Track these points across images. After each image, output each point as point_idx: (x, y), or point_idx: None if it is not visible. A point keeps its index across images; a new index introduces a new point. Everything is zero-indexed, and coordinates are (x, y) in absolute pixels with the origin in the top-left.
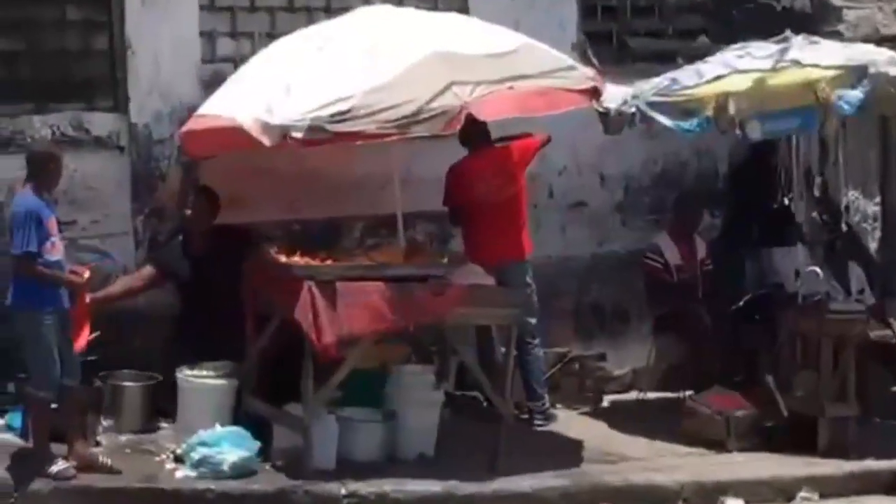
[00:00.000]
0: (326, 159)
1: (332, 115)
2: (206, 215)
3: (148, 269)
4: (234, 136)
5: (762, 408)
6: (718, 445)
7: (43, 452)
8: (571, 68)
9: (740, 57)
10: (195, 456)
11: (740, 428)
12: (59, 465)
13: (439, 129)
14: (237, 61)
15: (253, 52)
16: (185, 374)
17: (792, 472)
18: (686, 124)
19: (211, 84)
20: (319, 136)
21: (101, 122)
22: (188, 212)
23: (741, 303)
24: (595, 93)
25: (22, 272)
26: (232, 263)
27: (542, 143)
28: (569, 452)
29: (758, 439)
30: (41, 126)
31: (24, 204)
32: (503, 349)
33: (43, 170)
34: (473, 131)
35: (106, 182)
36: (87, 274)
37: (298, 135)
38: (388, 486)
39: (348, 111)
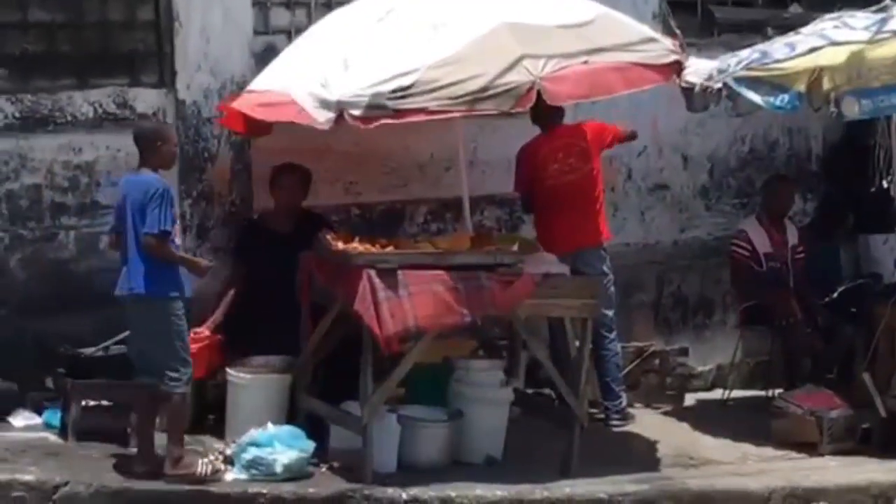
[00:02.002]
0: (387, 139)
1: (393, 91)
2: (299, 192)
3: (235, 278)
4: (286, 113)
5: (858, 408)
6: (810, 448)
7: (182, 454)
8: (651, 41)
9: (836, 28)
10: (246, 457)
11: (834, 429)
12: (203, 467)
13: (509, 107)
14: (292, 33)
15: (309, 23)
16: (236, 370)
17: (890, 478)
18: (776, 101)
19: (264, 58)
20: (379, 113)
21: (146, 99)
22: (277, 189)
23: (835, 294)
24: (677, 68)
25: (154, 253)
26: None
27: (625, 135)
28: (648, 455)
29: (853, 442)
30: (82, 103)
31: (157, 182)
32: (577, 343)
33: (151, 149)
34: (547, 110)
35: None
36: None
37: (356, 112)
38: (452, 490)
39: (410, 87)
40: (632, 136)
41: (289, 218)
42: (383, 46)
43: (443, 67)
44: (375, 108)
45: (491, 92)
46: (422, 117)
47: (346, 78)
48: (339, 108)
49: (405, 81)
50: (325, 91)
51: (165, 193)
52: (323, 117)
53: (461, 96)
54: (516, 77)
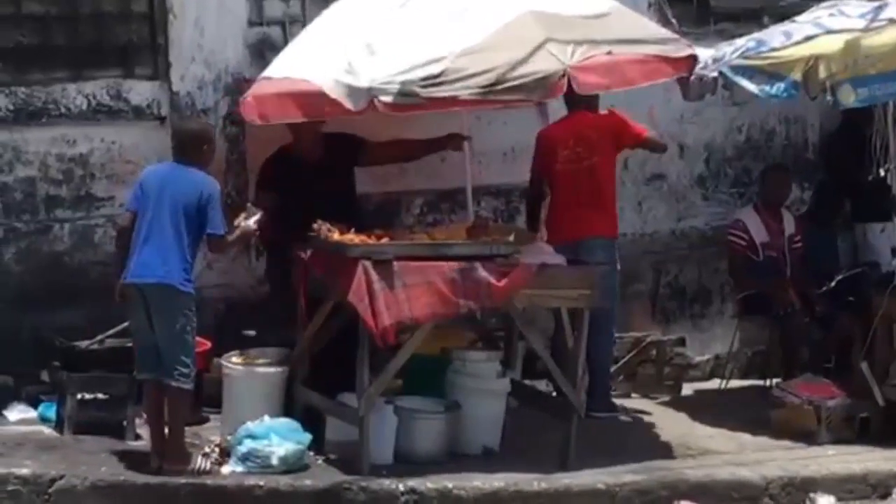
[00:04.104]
0: (384, 129)
1: (423, 79)
2: (310, 123)
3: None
4: (311, 101)
5: (856, 397)
6: (808, 437)
7: (183, 450)
8: (666, 35)
9: (832, 16)
10: (242, 449)
11: (832, 419)
12: (201, 462)
13: (539, 97)
14: (286, 24)
15: (304, 13)
16: (232, 362)
17: (888, 467)
18: (772, 90)
19: (258, 49)
20: (410, 101)
21: (140, 91)
22: (290, 127)
23: (833, 283)
24: (693, 62)
25: (221, 251)
26: (343, 174)
27: (648, 142)
28: (645, 445)
29: (851, 431)
30: (76, 95)
31: (212, 183)
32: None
33: (196, 149)
34: (572, 94)
35: (145, 155)
36: None
37: (387, 99)
38: (449, 482)
39: (440, 75)
40: (655, 147)
41: (314, 147)
42: (408, 32)
43: (471, 55)
44: (406, 96)
45: (520, 81)
46: (452, 106)
47: (372, 64)
48: (371, 96)
49: (435, 69)
50: (352, 78)
51: (220, 193)
52: (353, 105)
53: (491, 85)
54: (544, 65)
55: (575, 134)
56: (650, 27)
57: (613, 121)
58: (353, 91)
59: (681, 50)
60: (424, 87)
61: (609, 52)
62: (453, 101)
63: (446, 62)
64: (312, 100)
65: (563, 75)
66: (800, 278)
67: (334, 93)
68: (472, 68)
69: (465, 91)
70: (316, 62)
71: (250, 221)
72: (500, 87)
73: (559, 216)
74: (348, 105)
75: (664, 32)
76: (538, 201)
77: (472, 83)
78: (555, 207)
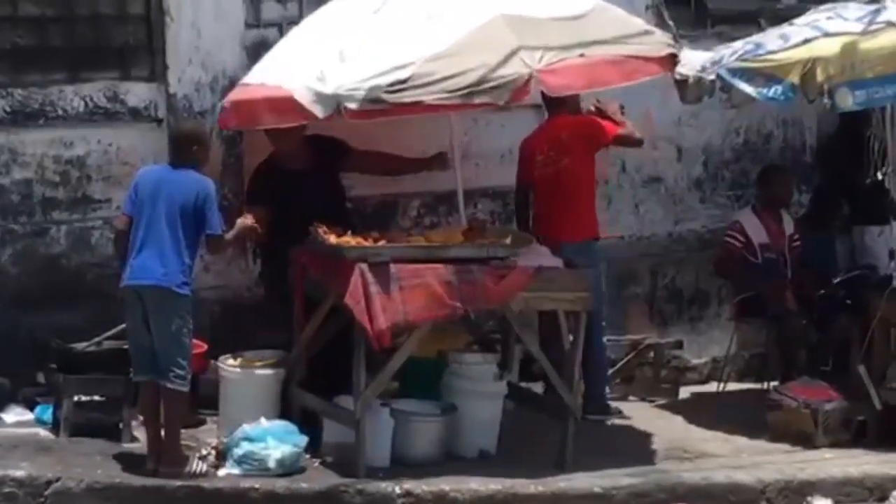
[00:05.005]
0: (380, 132)
1: (391, 85)
2: (287, 136)
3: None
4: (282, 107)
5: (853, 400)
6: (805, 441)
7: (180, 453)
8: (647, 33)
9: (829, 19)
10: (238, 452)
11: (829, 422)
12: (197, 464)
13: (504, 100)
14: (283, 26)
15: (301, 15)
16: (228, 364)
17: (885, 470)
18: (770, 92)
19: (255, 51)
20: (376, 107)
21: (137, 93)
22: (270, 140)
23: (831, 285)
24: (674, 60)
25: (220, 250)
26: (330, 177)
27: (621, 136)
28: (642, 449)
29: (848, 434)
30: (73, 97)
31: (208, 184)
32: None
33: (186, 150)
34: (547, 99)
35: (143, 157)
36: None
37: (353, 105)
38: (446, 484)
39: (407, 80)
40: (628, 142)
41: (297, 153)
42: (379, 39)
43: (439, 60)
44: (372, 102)
45: (487, 85)
46: (419, 111)
47: (342, 71)
48: (336, 102)
49: (402, 74)
50: (322, 84)
51: (216, 193)
52: (321, 112)
53: (458, 90)
54: (513, 69)
55: (549, 138)
56: (631, 25)
57: (587, 122)
58: (320, 97)
59: (661, 49)
60: (391, 92)
61: (581, 55)
62: (420, 105)
63: (414, 67)
64: (283, 106)
65: (529, 79)
66: (798, 280)
67: (303, 99)
68: (440, 73)
69: (432, 96)
70: (291, 69)
71: (248, 219)
72: (466, 91)
73: (538, 221)
74: (316, 112)
75: (646, 30)
76: (524, 209)
77: (439, 88)
78: (535, 212)
